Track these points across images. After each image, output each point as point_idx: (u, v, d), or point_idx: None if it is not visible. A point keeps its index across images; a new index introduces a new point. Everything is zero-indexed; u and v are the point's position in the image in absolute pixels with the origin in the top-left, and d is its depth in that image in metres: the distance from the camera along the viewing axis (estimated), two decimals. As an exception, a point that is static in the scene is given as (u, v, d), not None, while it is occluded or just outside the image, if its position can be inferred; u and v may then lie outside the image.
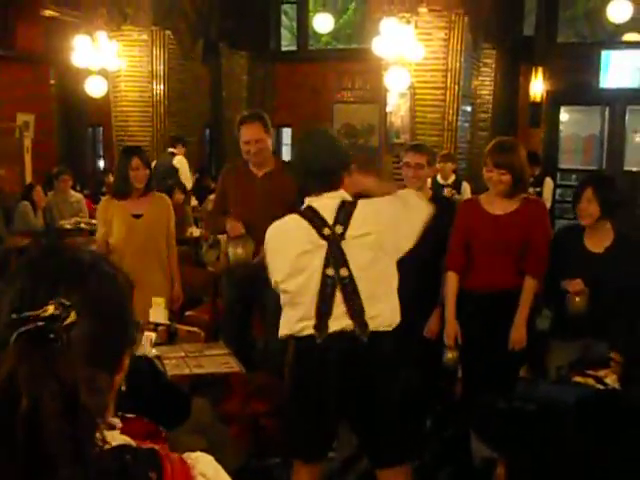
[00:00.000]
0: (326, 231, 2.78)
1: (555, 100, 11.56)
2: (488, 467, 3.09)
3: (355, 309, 2.75)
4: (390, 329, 2.81)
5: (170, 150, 9.12)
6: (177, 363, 3.65)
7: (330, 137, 3.09)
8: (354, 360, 2.77)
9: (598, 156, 12.44)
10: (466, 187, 7.81)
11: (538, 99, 11.33)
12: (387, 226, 2.82)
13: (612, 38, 12.86)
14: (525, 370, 4.29)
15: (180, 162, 8.97)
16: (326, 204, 2.83)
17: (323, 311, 2.77)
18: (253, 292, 4.54)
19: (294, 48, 13.62)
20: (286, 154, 13.35)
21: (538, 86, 11.25)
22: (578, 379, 3.25)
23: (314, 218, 2.82)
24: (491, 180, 3.66)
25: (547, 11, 11.26)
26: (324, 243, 2.78)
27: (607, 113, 12.02)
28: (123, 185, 4.60)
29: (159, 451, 1.06)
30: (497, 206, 3.71)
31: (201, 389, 3.69)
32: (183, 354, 3.79)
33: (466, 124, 9.42)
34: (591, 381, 3.21)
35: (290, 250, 2.84)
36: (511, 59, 10.65)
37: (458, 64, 8.75)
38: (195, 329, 4.42)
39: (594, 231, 3.77)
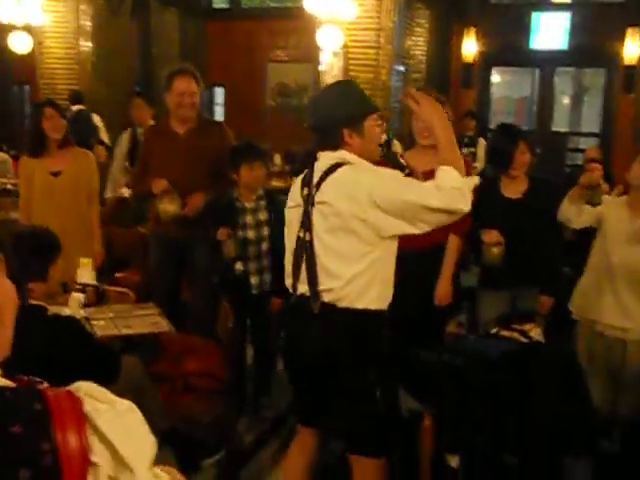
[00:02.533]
0: (305, 191, 2.71)
1: (487, 61, 11.66)
2: (415, 419, 3.14)
3: (311, 276, 2.66)
4: (343, 306, 2.62)
5: (79, 107, 8.68)
6: (106, 324, 3.60)
7: (337, 91, 2.79)
8: (309, 328, 2.70)
9: (529, 117, 12.65)
10: (397, 145, 7.91)
11: (471, 60, 11.41)
12: (354, 202, 2.54)
13: None
14: (454, 325, 4.38)
15: (99, 121, 8.70)
16: (322, 164, 2.69)
17: (295, 272, 2.73)
18: (182, 253, 4.49)
19: (227, 5, 13.36)
20: (219, 114, 13.15)
21: (471, 47, 11.32)
22: (504, 333, 3.33)
23: (306, 176, 2.75)
24: (422, 132, 3.60)
25: (480, -28, 11.30)
26: (301, 203, 2.72)
27: (537, 75, 12.21)
28: (38, 139, 4.44)
29: (38, 385, 1.09)
30: (419, 162, 3.66)
31: (131, 350, 3.64)
32: (112, 315, 3.74)
33: (399, 84, 9.42)
34: (517, 335, 3.29)
35: (288, 201, 2.86)
36: (444, 19, 10.67)
37: (391, 23, 8.73)
38: (125, 290, 4.35)
39: (511, 179, 3.94)
